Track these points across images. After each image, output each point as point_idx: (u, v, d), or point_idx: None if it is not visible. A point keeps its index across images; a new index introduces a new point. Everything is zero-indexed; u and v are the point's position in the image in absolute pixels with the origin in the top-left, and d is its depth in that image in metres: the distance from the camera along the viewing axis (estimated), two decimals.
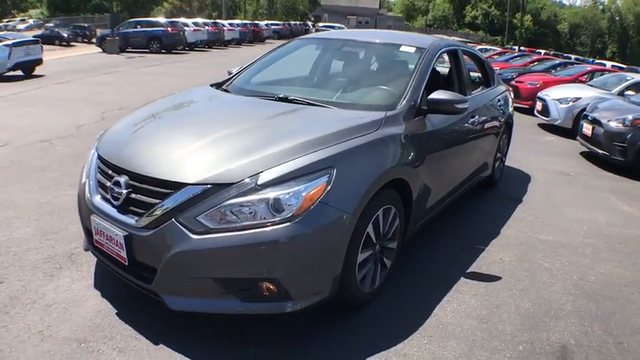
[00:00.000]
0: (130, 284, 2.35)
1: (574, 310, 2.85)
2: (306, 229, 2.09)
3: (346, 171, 2.29)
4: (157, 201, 2.18)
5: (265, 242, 2.05)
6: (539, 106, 8.95)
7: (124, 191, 2.27)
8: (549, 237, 3.95)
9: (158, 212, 2.15)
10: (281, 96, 3.03)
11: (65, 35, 28.91)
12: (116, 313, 2.47)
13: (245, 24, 34.17)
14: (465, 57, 4.79)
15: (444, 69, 4.41)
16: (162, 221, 2.13)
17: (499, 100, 4.69)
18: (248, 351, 2.25)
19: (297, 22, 49.22)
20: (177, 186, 2.15)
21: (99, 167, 2.55)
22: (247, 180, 2.12)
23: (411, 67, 3.27)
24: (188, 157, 2.30)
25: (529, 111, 10.07)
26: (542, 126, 9.37)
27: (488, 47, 24.19)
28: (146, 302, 2.45)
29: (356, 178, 2.33)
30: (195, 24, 25.73)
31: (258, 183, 2.12)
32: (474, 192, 4.82)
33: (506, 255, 3.52)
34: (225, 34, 28.43)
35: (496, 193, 4.97)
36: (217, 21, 31.64)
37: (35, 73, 13.22)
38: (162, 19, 25.04)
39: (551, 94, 8.64)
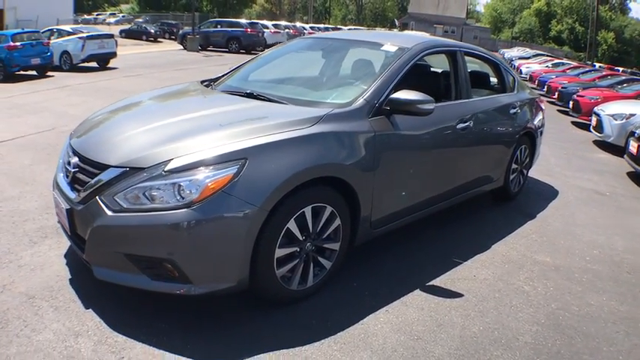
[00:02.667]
0: (76, 253, 2.46)
1: (532, 342, 2.36)
2: (203, 216, 2.05)
3: (260, 164, 2.18)
4: (90, 180, 2.29)
5: (164, 225, 2.05)
6: (594, 121, 7.89)
7: (72, 170, 2.42)
8: (546, 258, 3.38)
9: (88, 189, 2.26)
10: (248, 92, 2.96)
11: (152, 31, 29.33)
12: (69, 279, 2.60)
13: (327, 28, 34.20)
14: (481, 61, 4.37)
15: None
16: (90, 197, 2.22)
17: (513, 108, 4.11)
18: (160, 327, 2.23)
19: (382, 29, 48.26)
20: (103, 167, 2.25)
21: (67, 149, 2.69)
22: (157, 165, 2.14)
23: (385, 65, 2.97)
24: (121, 142, 2.37)
25: (589, 127, 8.97)
26: (598, 143, 8.25)
27: (565, 61, 22.08)
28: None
29: (270, 172, 2.17)
30: (276, 26, 26.08)
31: (166, 169, 2.12)
32: (483, 203, 4.32)
33: (483, 272, 3.05)
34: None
35: (509, 206, 4.38)
36: (298, 24, 31.91)
37: (110, 65, 13.82)
38: (242, 20, 25.53)
39: (606, 109, 7.56)
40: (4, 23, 25.50)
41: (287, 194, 2.22)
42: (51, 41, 13.04)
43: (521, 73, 21.39)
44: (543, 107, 4.98)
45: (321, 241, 2.50)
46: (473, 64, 4.75)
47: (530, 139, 4.53)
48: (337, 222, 2.52)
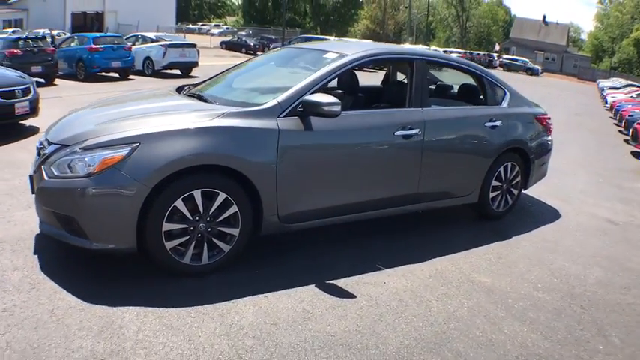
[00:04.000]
0: None
1: (392, 352, 2.10)
2: (95, 185, 2.35)
3: (151, 148, 2.39)
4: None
5: (71, 189, 2.39)
6: None
7: (39, 147, 2.84)
8: (486, 279, 2.98)
9: (40, 160, 2.66)
10: (199, 94, 3.19)
11: (252, 44, 28.53)
12: (36, 234, 2.96)
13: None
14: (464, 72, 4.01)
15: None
16: (40, 166, 2.61)
17: (492, 121, 3.69)
18: (75, 274, 2.57)
19: (481, 53, 45.35)
20: (49, 144, 2.67)
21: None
22: (76, 144, 2.49)
23: (314, 71, 2.94)
24: (66, 127, 2.78)
25: None
26: None
27: None
28: None
29: (156, 155, 2.36)
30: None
31: (80, 147, 2.46)
32: (459, 219, 3.97)
33: (397, 281, 2.78)
34: None
35: (485, 225, 3.92)
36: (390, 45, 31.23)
37: (192, 74, 13.76)
38: (331, 38, 25.39)
39: None
40: (105, 26, 26.57)
41: (173, 176, 2.36)
42: (134, 47, 13.15)
43: (605, 101, 19.51)
44: (549, 126, 4.42)
45: (217, 224, 2.55)
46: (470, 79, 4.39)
47: (521, 155, 4.04)
48: (234, 209, 2.54)
